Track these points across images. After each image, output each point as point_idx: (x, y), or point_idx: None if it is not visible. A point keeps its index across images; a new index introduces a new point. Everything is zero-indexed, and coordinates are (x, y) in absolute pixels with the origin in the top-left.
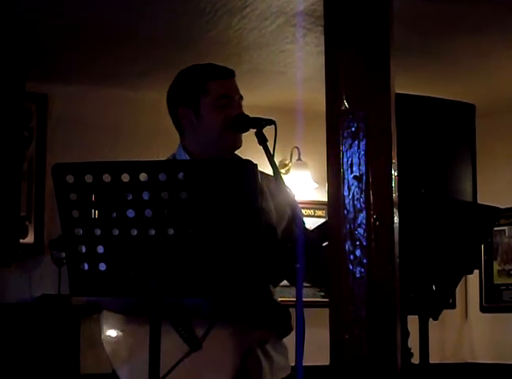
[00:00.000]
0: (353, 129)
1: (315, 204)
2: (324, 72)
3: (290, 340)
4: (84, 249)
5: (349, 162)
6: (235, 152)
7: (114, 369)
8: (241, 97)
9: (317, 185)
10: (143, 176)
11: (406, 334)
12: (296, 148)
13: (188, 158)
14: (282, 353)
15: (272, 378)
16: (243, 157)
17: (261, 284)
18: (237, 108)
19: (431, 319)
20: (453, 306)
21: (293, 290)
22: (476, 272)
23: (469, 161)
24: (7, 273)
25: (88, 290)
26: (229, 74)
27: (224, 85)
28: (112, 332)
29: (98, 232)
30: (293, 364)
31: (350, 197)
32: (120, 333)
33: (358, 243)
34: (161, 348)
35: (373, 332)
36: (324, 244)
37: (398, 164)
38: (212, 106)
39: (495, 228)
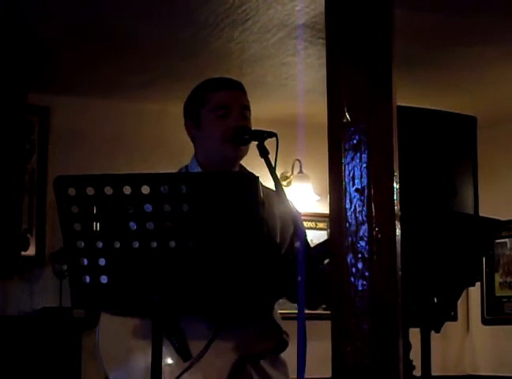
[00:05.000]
0: (355, 141)
1: (317, 217)
2: (325, 84)
3: (292, 353)
4: (85, 262)
5: (351, 174)
6: (242, 164)
7: (107, 373)
8: (246, 108)
9: (318, 198)
10: (145, 189)
11: (408, 346)
12: (298, 160)
13: (199, 168)
14: (280, 369)
15: None
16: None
17: (262, 299)
18: (237, 118)
19: (432, 331)
20: (454, 319)
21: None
22: (478, 284)
23: (471, 173)
24: (8, 285)
25: (89, 302)
26: (230, 85)
27: (222, 95)
28: (108, 336)
29: (100, 245)
30: (295, 376)
31: (352, 209)
32: (115, 338)
33: (360, 256)
34: None
35: (375, 344)
36: (326, 261)
37: (400, 177)
38: (210, 116)
39: (497, 240)
